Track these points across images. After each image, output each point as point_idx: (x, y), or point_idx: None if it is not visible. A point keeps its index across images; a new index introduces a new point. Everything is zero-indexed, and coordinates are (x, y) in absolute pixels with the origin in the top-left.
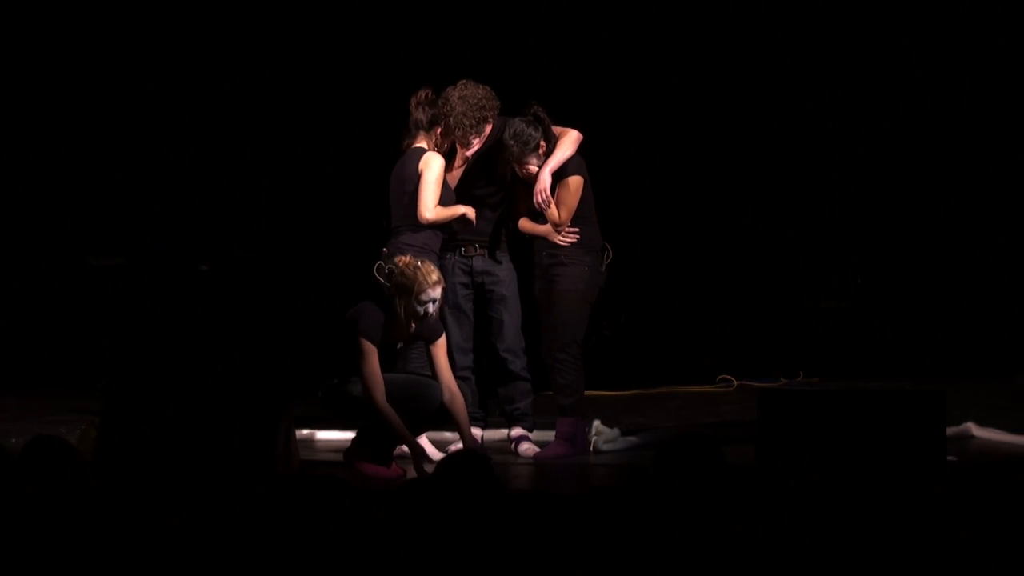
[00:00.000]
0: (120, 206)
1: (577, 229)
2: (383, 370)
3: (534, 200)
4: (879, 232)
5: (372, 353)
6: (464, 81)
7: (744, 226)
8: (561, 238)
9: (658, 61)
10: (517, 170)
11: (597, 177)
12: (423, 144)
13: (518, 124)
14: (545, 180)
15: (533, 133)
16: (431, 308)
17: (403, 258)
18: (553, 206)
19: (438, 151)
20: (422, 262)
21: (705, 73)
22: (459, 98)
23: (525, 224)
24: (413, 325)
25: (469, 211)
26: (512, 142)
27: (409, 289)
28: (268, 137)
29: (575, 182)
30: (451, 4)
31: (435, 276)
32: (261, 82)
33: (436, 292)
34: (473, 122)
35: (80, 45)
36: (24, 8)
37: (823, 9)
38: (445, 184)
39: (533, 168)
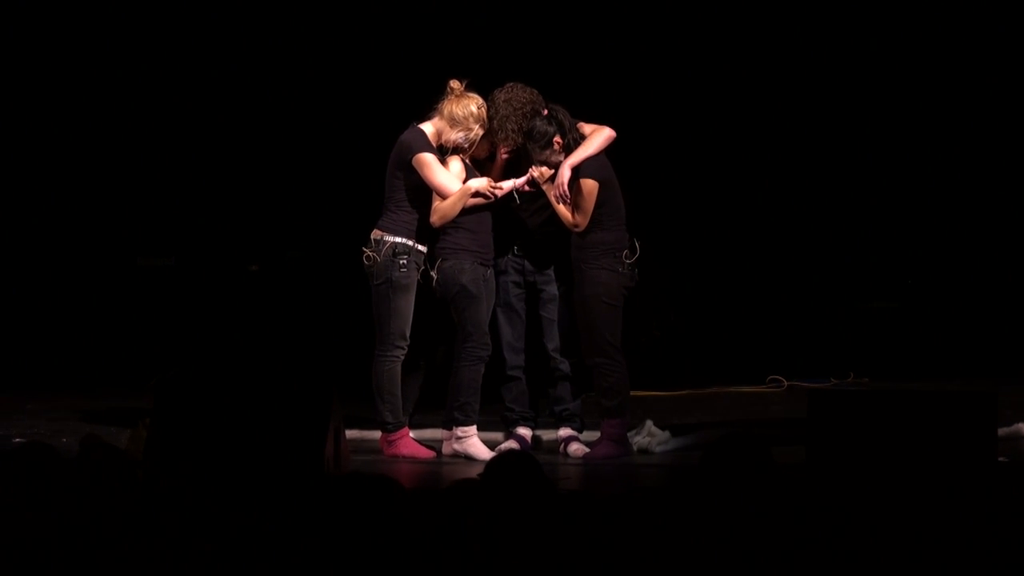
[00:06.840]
0: (170, 207)
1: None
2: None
3: (553, 193)
4: (930, 232)
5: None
6: (511, 84)
7: (795, 226)
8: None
9: (709, 63)
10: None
11: (645, 175)
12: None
13: (536, 121)
14: (565, 174)
15: (548, 129)
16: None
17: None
18: (566, 205)
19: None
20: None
21: (760, 74)
22: (504, 100)
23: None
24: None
25: (478, 186)
26: (528, 140)
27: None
28: (318, 137)
29: (589, 186)
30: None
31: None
32: (313, 85)
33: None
34: (516, 127)
35: (129, 49)
36: (72, 15)
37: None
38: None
39: (550, 157)
